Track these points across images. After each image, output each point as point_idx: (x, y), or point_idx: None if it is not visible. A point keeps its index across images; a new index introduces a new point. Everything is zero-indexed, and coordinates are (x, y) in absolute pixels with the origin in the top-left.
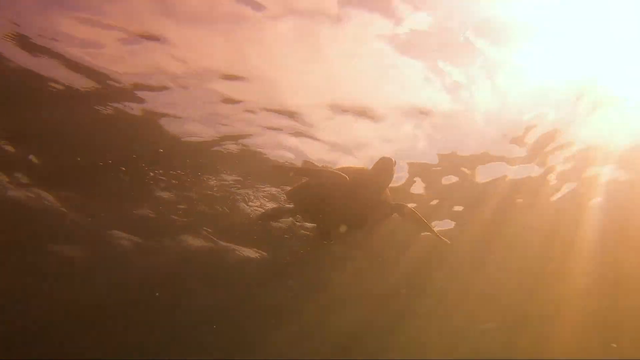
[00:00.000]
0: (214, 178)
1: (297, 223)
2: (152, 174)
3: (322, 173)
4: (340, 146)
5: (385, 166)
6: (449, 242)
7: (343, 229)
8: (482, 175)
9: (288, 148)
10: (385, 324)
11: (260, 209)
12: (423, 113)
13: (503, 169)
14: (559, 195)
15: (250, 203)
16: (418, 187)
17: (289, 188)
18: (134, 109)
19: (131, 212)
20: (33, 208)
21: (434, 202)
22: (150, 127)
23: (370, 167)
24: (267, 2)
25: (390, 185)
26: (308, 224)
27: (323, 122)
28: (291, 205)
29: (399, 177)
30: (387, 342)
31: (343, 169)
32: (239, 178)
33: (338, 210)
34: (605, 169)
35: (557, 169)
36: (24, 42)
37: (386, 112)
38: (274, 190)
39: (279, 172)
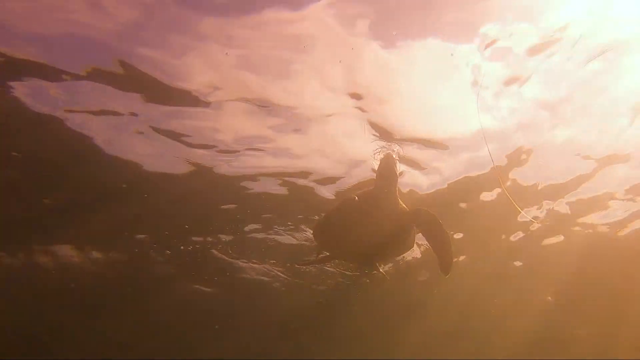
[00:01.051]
0: None
1: None
2: None
3: (330, 213)
4: None
5: (386, 160)
6: (446, 276)
7: (377, 254)
8: None
9: None
10: None
11: None
12: None
13: None
14: None
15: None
16: None
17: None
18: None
19: None
20: None
21: None
22: None
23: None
24: None
25: None
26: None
27: None
28: (327, 254)
29: None
30: None
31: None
32: None
33: (364, 236)
34: None
35: None
36: None
37: None
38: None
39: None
